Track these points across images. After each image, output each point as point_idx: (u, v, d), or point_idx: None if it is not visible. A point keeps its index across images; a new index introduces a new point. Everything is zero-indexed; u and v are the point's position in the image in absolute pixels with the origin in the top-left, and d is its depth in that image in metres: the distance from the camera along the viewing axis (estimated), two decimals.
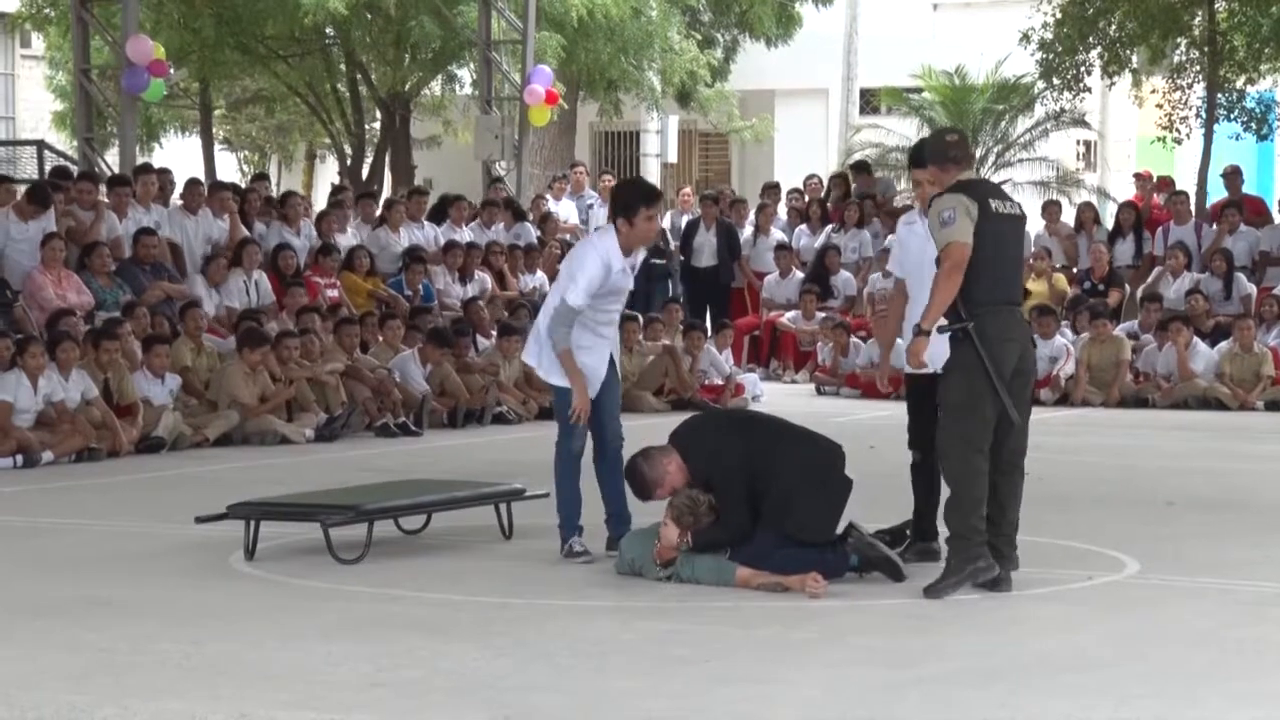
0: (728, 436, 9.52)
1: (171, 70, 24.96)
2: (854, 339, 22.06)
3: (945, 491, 9.14)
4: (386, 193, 28.84)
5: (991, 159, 34.15)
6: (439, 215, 22.55)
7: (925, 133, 33.37)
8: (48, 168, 24.71)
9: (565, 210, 25.03)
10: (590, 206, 25.68)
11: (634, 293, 23.88)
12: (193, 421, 16.16)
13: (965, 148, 9.34)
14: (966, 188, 9.07)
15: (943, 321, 8.94)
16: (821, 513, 9.26)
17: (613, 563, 9.59)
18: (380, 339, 18.58)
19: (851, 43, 40.09)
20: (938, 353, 9.11)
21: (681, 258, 24.38)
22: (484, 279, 21.45)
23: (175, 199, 20.09)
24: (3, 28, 36.86)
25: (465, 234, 22.22)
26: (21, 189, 18.85)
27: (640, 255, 10.12)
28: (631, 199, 10.01)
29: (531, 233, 23.40)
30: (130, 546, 10.59)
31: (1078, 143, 40.74)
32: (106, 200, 19.04)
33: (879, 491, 11.68)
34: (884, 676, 7.31)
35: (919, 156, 9.76)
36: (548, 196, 25.29)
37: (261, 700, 6.88)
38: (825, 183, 26.77)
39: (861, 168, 27.88)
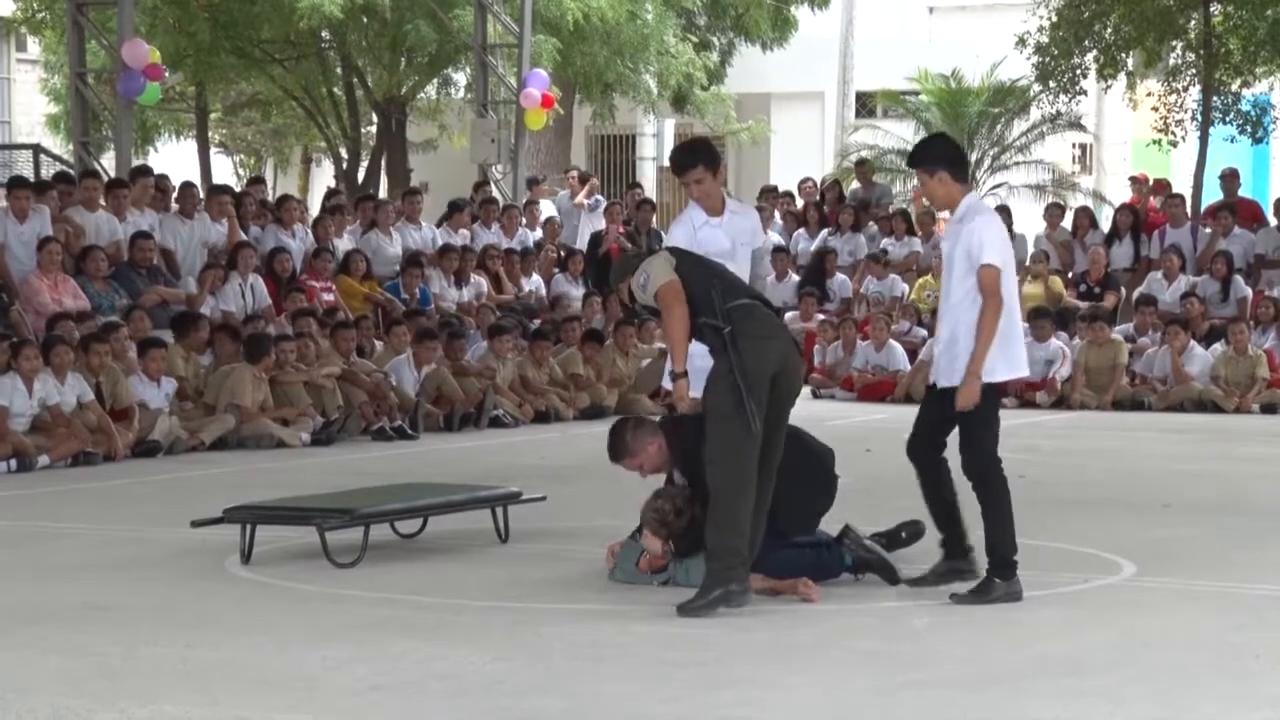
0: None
1: (167, 74, 24.95)
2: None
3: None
4: (384, 196, 28.82)
5: (987, 162, 34.14)
6: (447, 220, 22.65)
7: (921, 135, 33.52)
8: (44, 172, 24.68)
9: (548, 211, 25.04)
10: (581, 210, 25.65)
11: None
12: (189, 425, 16.15)
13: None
14: None
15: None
16: (803, 505, 9.21)
17: (607, 567, 9.57)
18: (380, 344, 18.58)
19: (847, 46, 40.07)
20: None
21: None
22: (480, 282, 21.45)
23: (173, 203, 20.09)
24: None
25: (459, 238, 22.21)
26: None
27: (731, 217, 9.61)
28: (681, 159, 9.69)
29: (529, 237, 23.40)
30: (126, 551, 10.58)
31: (1073, 146, 40.75)
32: (104, 204, 19.03)
33: (876, 495, 11.69)
34: (880, 680, 7.31)
35: (917, 157, 9.48)
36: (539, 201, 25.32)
37: (258, 704, 6.88)
38: (819, 186, 26.82)
39: (864, 164, 28.17)
